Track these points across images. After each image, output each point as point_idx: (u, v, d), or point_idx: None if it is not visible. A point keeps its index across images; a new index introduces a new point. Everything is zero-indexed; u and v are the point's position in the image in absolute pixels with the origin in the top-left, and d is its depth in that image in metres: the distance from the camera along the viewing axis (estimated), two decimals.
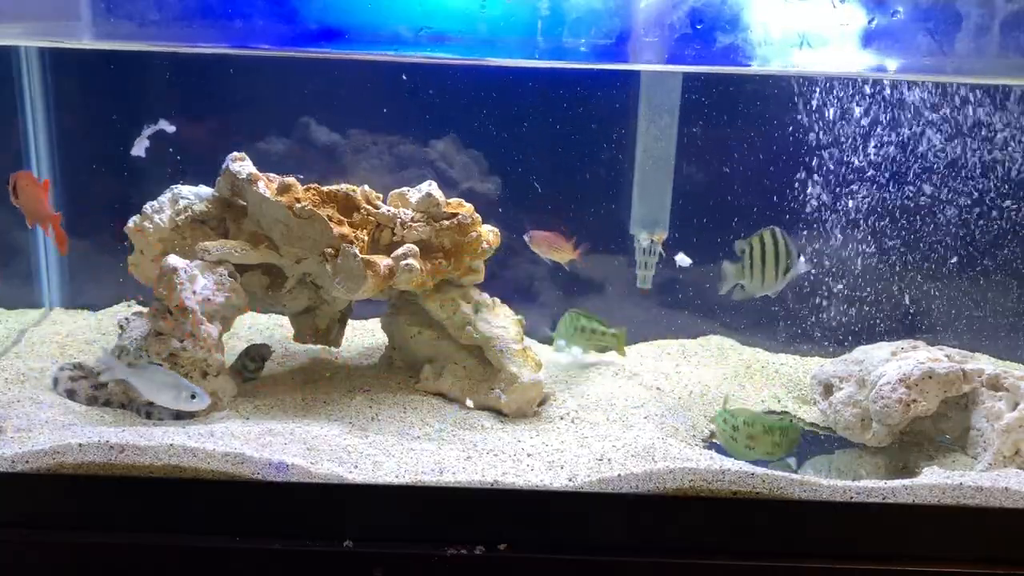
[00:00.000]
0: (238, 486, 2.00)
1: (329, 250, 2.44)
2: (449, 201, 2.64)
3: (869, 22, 2.33)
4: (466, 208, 2.63)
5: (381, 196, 2.64)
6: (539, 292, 3.13)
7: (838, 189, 2.97)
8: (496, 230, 2.68)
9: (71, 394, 2.43)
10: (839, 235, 3.01)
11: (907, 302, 3.08)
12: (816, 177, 2.95)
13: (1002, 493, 2.02)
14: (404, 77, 2.90)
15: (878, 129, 2.90)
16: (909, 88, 2.83)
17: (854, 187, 2.96)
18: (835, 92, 2.85)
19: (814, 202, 2.96)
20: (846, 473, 2.43)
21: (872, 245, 3.03)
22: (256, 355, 2.62)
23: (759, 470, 2.03)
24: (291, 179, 2.52)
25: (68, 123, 3.13)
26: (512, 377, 2.50)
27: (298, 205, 2.44)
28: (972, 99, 2.83)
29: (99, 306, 3.22)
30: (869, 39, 2.36)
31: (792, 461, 2.43)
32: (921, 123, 2.88)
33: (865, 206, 2.99)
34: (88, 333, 2.97)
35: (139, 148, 2.71)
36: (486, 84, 2.95)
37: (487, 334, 2.55)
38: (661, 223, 3.00)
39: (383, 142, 3.09)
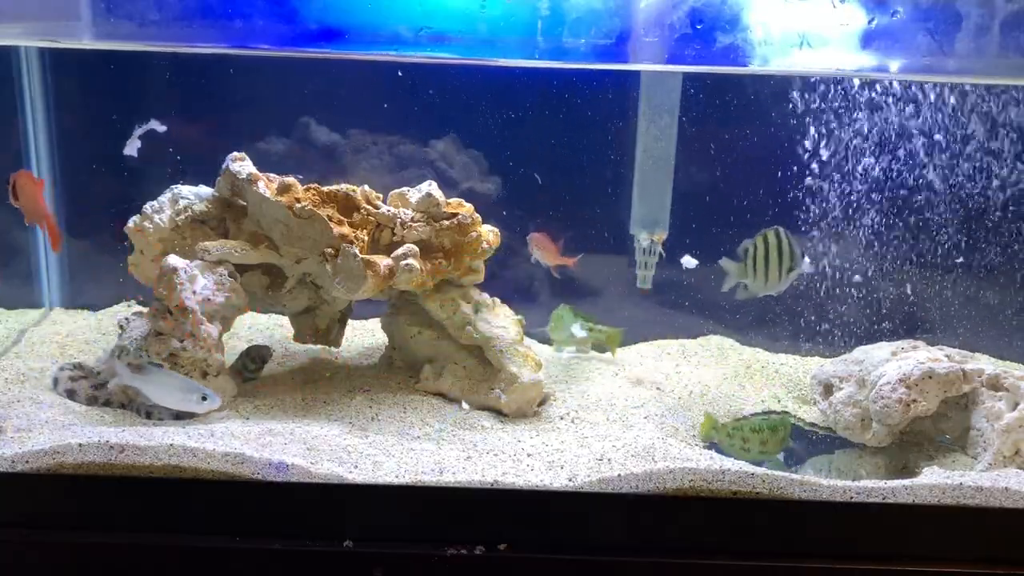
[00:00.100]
0: (238, 486, 2.00)
1: (329, 250, 2.44)
2: (449, 201, 2.64)
3: (869, 22, 2.33)
4: (466, 208, 2.63)
5: (381, 196, 2.64)
6: (539, 292, 3.13)
7: (838, 189, 2.96)
8: (496, 230, 2.68)
9: (71, 394, 2.43)
10: (839, 235, 3.01)
11: (907, 302, 3.08)
12: (816, 177, 2.95)
13: (1002, 493, 2.02)
14: (400, 74, 2.89)
15: (878, 129, 2.90)
16: (910, 88, 2.83)
17: (854, 187, 2.96)
18: (835, 92, 2.85)
19: (814, 202, 2.96)
20: (846, 473, 2.43)
21: (872, 245, 3.03)
22: (256, 356, 2.62)
23: (759, 470, 2.03)
24: (291, 179, 2.52)
25: (68, 123, 3.13)
26: (512, 377, 2.50)
27: (298, 205, 2.44)
28: (973, 99, 2.83)
29: (99, 306, 3.22)
30: (869, 39, 2.36)
31: (780, 457, 2.44)
32: (921, 123, 2.88)
33: (865, 206, 2.99)
34: (88, 333, 2.97)
35: (131, 148, 2.71)
36: (486, 84, 2.95)
37: (487, 334, 2.55)
38: (661, 223, 3.00)
39: (383, 142, 3.09)
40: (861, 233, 3.01)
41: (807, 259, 2.54)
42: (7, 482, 2.00)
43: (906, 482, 2.05)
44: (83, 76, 3.10)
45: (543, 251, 2.92)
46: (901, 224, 3.01)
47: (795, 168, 2.95)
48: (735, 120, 3.03)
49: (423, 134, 3.07)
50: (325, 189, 2.54)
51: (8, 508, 2.01)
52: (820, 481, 2.03)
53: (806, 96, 2.86)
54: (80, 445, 2.00)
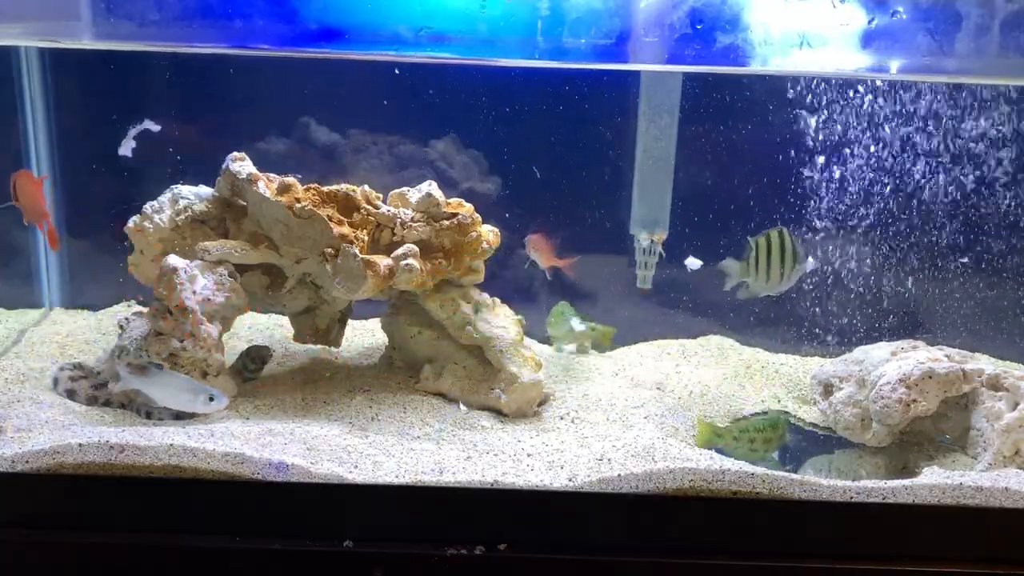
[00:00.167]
0: (238, 486, 2.00)
1: (329, 250, 2.44)
2: (449, 201, 2.64)
3: (869, 22, 2.33)
4: (466, 208, 2.63)
5: (381, 196, 2.64)
6: (539, 292, 3.13)
7: (838, 189, 2.97)
8: (496, 230, 2.68)
9: (71, 394, 2.43)
10: (839, 235, 3.01)
11: (907, 302, 3.08)
12: (816, 177, 2.95)
13: (1002, 493, 2.02)
14: (396, 71, 2.89)
15: (879, 129, 2.90)
16: (911, 88, 2.83)
17: (854, 187, 2.96)
18: (835, 92, 2.85)
19: (814, 202, 2.96)
20: (846, 473, 2.42)
21: (872, 245, 3.03)
22: (257, 356, 2.61)
23: (759, 470, 2.03)
24: (291, 179, 2.52)
25: (68, 123, 3.13)
26: (512, 377, 2.50)
27: (298, 205, 2.44)
28: (973, 100, 2.83)
29: (99, 306, 3.22)
30: (869, 39, 2.36)
31: (776, 456, 2.44)
32: (921, 123, 2.88)
33: (865, 206, 2.99)
34: (88, 333, 2.97)
35: (126, 148, 2.72)
36: (486, 84, 2.95)
37: (487, 334, 2.55)
38: (661, 223, 3.00)
39: (383, 142, 3.09)
40: (861, 232, 3.01)
41: (810, 259, 2.54)
42: (7, 482, 2.00)
43: (906, 482, 2.05)
44: (83, 76, 3.10)
45: (539, 253, 2.93)
46: (901, 223, 3.00)
47: (795, 168, 2.95)
48: (735, 120, 3.03)
49: (423, 134, 3.07)
50: (325, 189, 2.54)
51: (8, 508, 2.01)
52: (820, 481, 2.03)
53: (806, 96, 2.86)
54: (80, 445, 2.00)
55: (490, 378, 2.54)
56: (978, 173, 2.93)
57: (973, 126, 2.87)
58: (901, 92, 2.84)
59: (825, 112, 2.88)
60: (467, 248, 2.61)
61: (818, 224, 2.98)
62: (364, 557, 1.96)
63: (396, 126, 3.08)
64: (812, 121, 2.89)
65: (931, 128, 2.88)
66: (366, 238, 2.51)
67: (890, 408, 2.40)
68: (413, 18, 2.35)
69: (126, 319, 2.43)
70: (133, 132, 2.72)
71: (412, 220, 2.57)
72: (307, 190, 2.53)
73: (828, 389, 2.64)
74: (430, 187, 2.62)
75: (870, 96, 2.85)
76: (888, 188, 2.97)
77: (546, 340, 3.12)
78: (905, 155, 2.93)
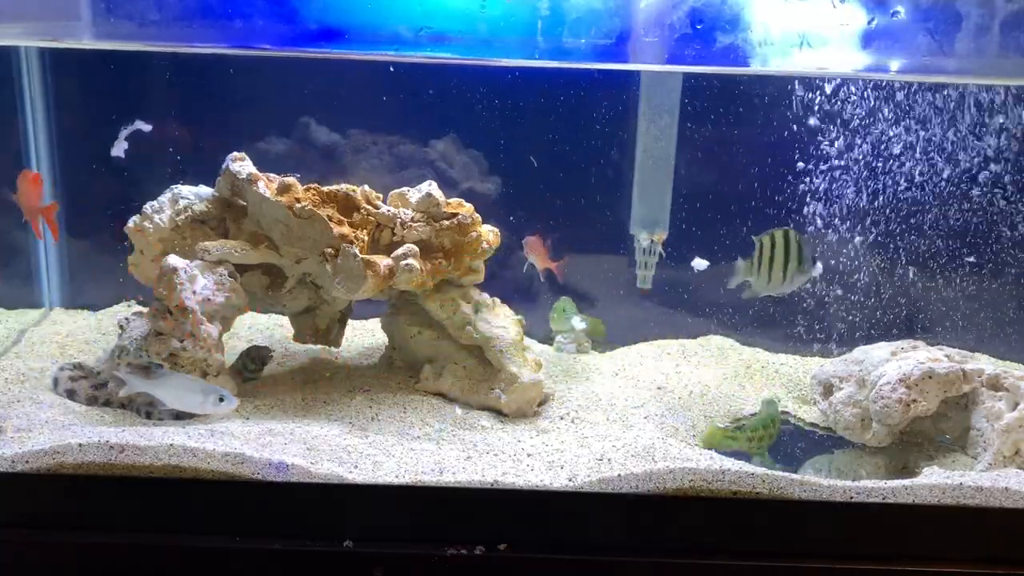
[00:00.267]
0: (238, 486, 2.00)
1: (329, 250, 2.44)
2: (449, 201, 2.64)
3: (869, 22, 2.33)
4: (466, 208, 2.63)
5: (381, 196, 2.64)
6: (539, 292, 3.13)
7: (838, 189, 2.97)
8: (496, 230, 2.68)
9: (71, 394, 2.43)
10: (839, 235, 3.01)
11: (907, 302, 3.08)
12: (816, 177, 2.95)
13: (1002, 493, 2.02)
14: (391, 69, 2.89)
15: (879, 129, 2.90)
16: (910, 88, 2.83)
17: (854, 187, 2.96)
18: (835, 92, 2.85)
19: (814, 202, 2.96)
20: (846, 473, 2.43)
21: (872, 245, 3.03)
22: (257, 357, 2.61)
23: (759, 470, 2.03)
24: (291, 179, 2.52)
25: (68, 123, 3.13)
26: (512, 377, 2.50)
27: (298, 205, 2.44)
28: (974, 100, 2.83)
29: (99, 306, 3.22)
30: (869, 39, 2.36)
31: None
32: (921, 123, 2.88)
33: (865, 206, 2.99)
34: (88, 333, 2.97)
35: (118, 149, 2.73)
36: (486, 84, 2.95)
37: (487, 334, 2.55)
38: (661, 223, 3.00)
39: (383, 142, 3.09)
40: (861, 233, 3.01)
41: (819, 264, 2.52)
42: (7, 482, 2.00)
43: (906, 482, 2.05)
44: (83, 76, 3.10)
45: (534, 254, 2.94)
46: (901, 224, 3.00)
47: (795, 168, 2.95)
48: (735, 120, 3.03)
49: (423, 134, 3.07)
50: (325, 189, 2.54)
51: (8, 508, 2.01)
52: (820, 481, 2.03)
53: (806, 96, 2.86)
54: (80, 445, 2.00)
55: (490, 378, 2.54)
56: (979, 173, 2.93)
57: (974, 126, 2.87)
58: (901, 92, 2.84)
59: (825, 112, 2.88)
60: (467, 248, 2.61)
61: (818, 224, 2.98)
62: (364, 557, 1.95)
63: (396, 126, 3.07)
64: (811, 121, 2.89)
65: (931, 128, 2.88)
66: (366, 238, 2.51)
67: (890, 408, 2.40)
68: (413, 18, 2.34)
69: (126, 319, 2.43)
70: (125, 133, 2.73)
71: (412, 220, 2.57)
72: (307, 190, 2.53)
73: (828, 389, 2.64)
74: (430, 187, 2.62)
75: (870, 95, 2.85)
76: (888, 188, 2.97)
77: (546, 340, 3.12)
78: (905, 155, 2.93)
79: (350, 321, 2.83)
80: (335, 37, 2.37)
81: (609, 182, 3.08)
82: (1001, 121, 2.85)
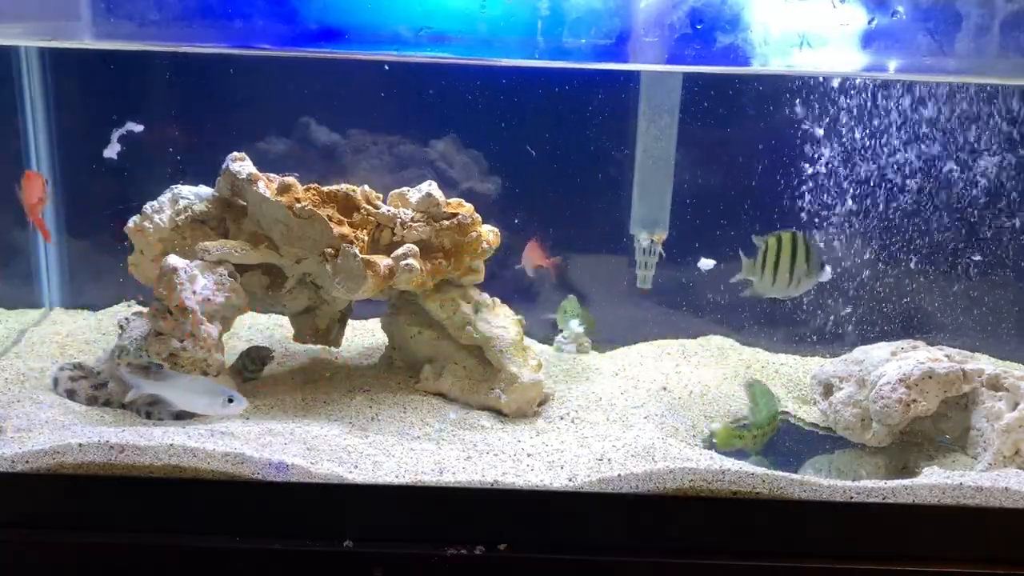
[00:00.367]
0: (238, 486, 2.00)
1: (329, 250, 2.44)
2: (449, 201, 2.64)
3: (869, 22, 2.33)
4: (466, 208, 2.63)
5: (381, 196, 2.64)
6: (539, 292, 3.13)
7: (838, 189, 2.97)
8: (496, 230, 2.68)
9: (71, 394, 2.43)
10: (840, 235, 3.01)
11: (907, 302, 3.08)
12: (816, 177, 2.95)
13: (1002, 493, 2.02)
14: (386, 67, 2.88)
15: (879, 129, 2.90)
16: (910, 88, 2.83)
17: (854, 187, 2.96)
18: (835, 92, 2.85)
19: (814, 202, 2.96)
20: (846, 473, 2.42)
21: (872, 245, 3.03)
22: (257, 357, 2.61)
23: (759, 470, 2.03)
24: (291, 179, 2.52)
25: (68, 123, 3.13)
26: (512, 377, 2.50)
27: (298, 205, 2.44)
28: (973, 100, 2.83)
29: (99, 306, 3.22)
30: (869, 39, 2.36)
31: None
32: (921, 123, 2.88)
33: (865, 206, 2.99)
34: (88, 333, 2.97)
35: (111, 150, 2.73)
36: (486, 84, 2.95)
37: (487, 334, 2.55)
38: (661, 223, 3.00)
39: (383, 142, 3.09)
40: (861, 232, 3.01)
41: (828, 268, 2.51)
42: (7, 482, 2.00)
43: (906, 482, 2.05)
44: (83, 76, 3.10)
45: (528, 255, 2.95)
46: (901, 224, 3.00)
47: (795, 168, 2.95)
48: (735, 120, 3.03)
49: (423, 134, 3.07)
50: (325, 189, 2.54)
51: (8, 508, 2.01)
52: (820, 481, 2.03)
53: (805, 96, 2.86)
54: (80, 445, 2.00)
55: (490, 378, 2.54)
56: (979, 173, 2.93)
57: (974, 126, 2.87)
58: (900, 91, 2.84)
59: (825, 111, 2.88)
60: (467, 248, 2.61)
61: (819, 223, 2.98)
62: (364, 557, 1.96)
63: (396, 126, 3.07)
64: (811, 120, 2.89)
65: (931, 128, 2.88)
66: (366, 238, 2.51)
67: (890, 408, 2.40)
68: (413, 18, 2.35)
69: (126, 319, 2.43)
70: (117, 135, 2.73)
71: (412, 220, 2.57)
72: (307, 190, 2.53)
73: (828, 389, 2.64)
74: (430, 187, 2.62)
75: (870, 95, 2.85)
76: (889, 188, 2.97)
77: (546, 340, 3.12)
78: (905, 155, 2.93)
79: (350, 321, 2.83)
80: (335, 37, 2.37)
81: (609, 182, 3.08)
82: (1002, 121, 2.85)
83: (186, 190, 2.64)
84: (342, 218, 2.50)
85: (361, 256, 2.40)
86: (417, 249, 2.51)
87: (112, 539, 1.97)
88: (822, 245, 3.00)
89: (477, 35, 2.38)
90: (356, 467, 2.07)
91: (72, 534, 1.98)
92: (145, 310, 2.43)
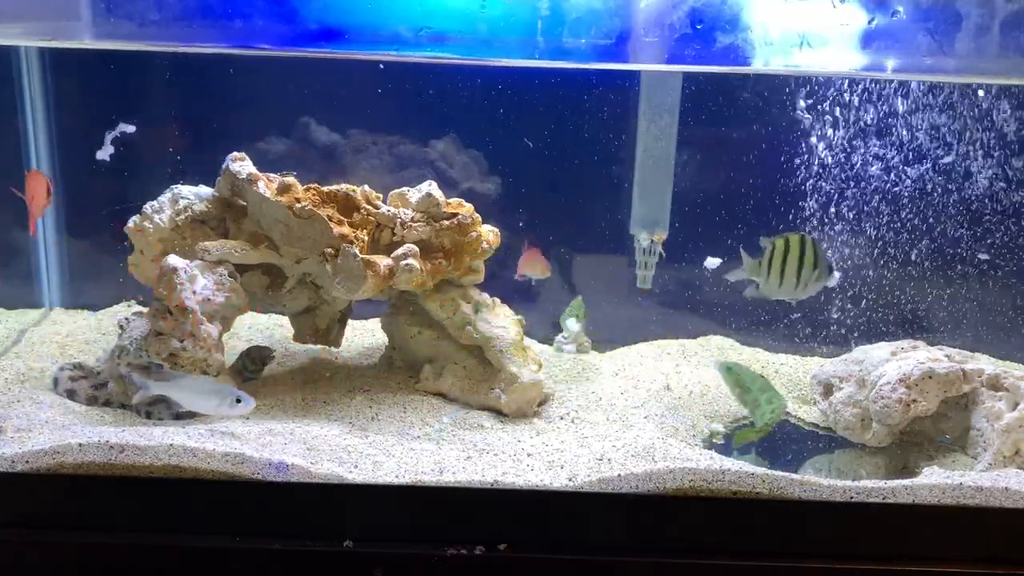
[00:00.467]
0: (238, 486, 2.00)
1: (329, 250, 2.44)
2: (449, 201, 2.64)
3: (869, 22, 2.33)
4: (466, 208, 2.63)
5: (381, 196, 2.64)
6: (539, 292, 3.13)
7: (838, 188, 2.97)
8: (496, 230, 2.68)
9: (71, 394, 2.43)
10: (839, 235, 3.01)
11: (907, 302, 3.08)
12: (816, 177, 2.95)
13: (1002, 493, 2.02)
14: (381, 66, 2.88)
15: (879, 129, 2.90)
16: (909, 88, 2.83)
17: (854, 187, 2.96)
18: (835, 92, 2.85)
19: (814, 202, 2.96)
20: (846, 473, 2.43)
21: (872, 245, 3.02)
22: (257, 357, 2.61)
23: (759, 470, 2.03)
24: (291, 179, 2.52)
25: (68, 123, 3.13)
26: (512, 377, 2.50)
27: (298, 205, 2.44)
28: (973, 100, 2.83)
29: (99, 306, 3.22)
30: (869, 39, 2.36)
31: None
32: (921, 123, 2.88)
33: (865, 206, 2.99)
34: (88, 333, 2.97)
35: (104, 153, 2.74)
36: (486, 84, 2.95)
37: (487, 334, 2.55)
38: (661, 223, 3.00)
39: (383, 142, 3.09)
40: (862, 232, 3.01)
41: (836, 273, 2.49)
42: (7, 482, 2.00)
43: (906, 482, 2.05)
44: (83, 76, 3.10)
45: (529, 261, 2.95)
46: (901, 224, 3.00)
47: (795, 167, 2.95)
48: (735, 120, 3.03)
49: (423, 134, 3.07)
50: (325, 189, 2.54)
51: (8, 508, 2.01)
52: (820, 481, 2.03)
53: (806, 96, 2.86)
54: (80, 445, 2.00)
55: (490, 378, 2.54)
56: (980, 173, 2.93)
57: (975, 126, 2.87)
58: (901, 92, 2.84)
59: (825, 111, 2.88)
60: (467, 248, 2.61)
61: (819, 223, 2.98)
62: (364, 557, 1.96)
63: (396, 126, 3.08)
64: (811, 120, 2.89)
65: (931, 128, 2.88)
66: (366, 238, 2.51)
67: (890, 408, 2.40)
68: (413, 18, 2.35)
69: (126, 319, 2.43)
70: (110, 137, 2.74)
71: (412, 220, 2.57)
72: (307, 190, 2.53)
73: (828, 389, 2.64)
74: (430, 187, 2.62)
75: (869, 95, 2.85)
76: (889, 188, 2.97)
77: (546, 340, 3.12)
78: (905, 155, 2.93)
79: (350, 321, 2.83)
80: (335, 37, 2.37)
81: (609, 182, 3.08)
82: (1003, 120, 2.85)
83: (186, 190, 2.64)
84: (342, 218, 2.50)
85: (361, 256, 2.40)
86: (417, 249, 2.51)
87: (112, 539, 1.97)
88: (823, 244, 3.00)
89: (477, 35, 2.38)
90: (356, 467, 2.07)
91: (72, 534, 1.98)
92: (145, 310, 2.43)
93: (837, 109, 2.87)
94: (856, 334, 3.05)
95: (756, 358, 3.10)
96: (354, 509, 2.01)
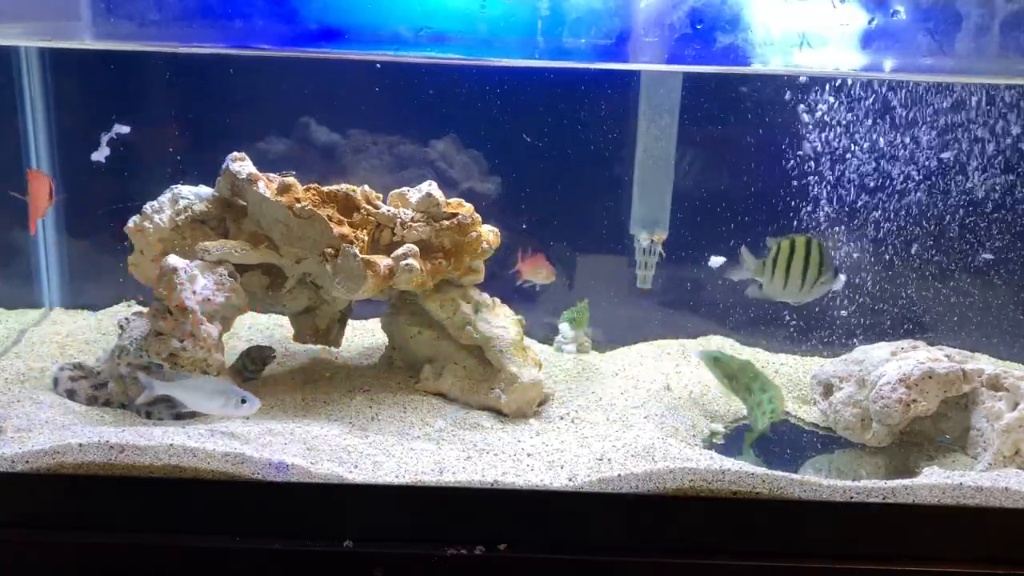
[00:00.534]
0: (238, 486, 2.00)
1: (329, 250, 2.44)
2: (449, 201, 2.64)
3: (869, 22, 2.33)
4: (466, 208, 2.63)
5: (381, 196, 2.64)
6: (539, 292, 3.13)
7: (838, 189, 2.97)
8: (496, 230, 2.68)
9: (71, 394, 2.43)
10: (839, 235, 3.01)
11: (907, 302, 3.08)
12: (816, 177, 2.95)
13: (1002, 493, 2.02)
14: (378, 65, 2.88)
15: (879, 129, 2.90)
16: (909, 88, 2.83)
17: (854, 187, 2.96)
18: (835, 92, 2.85)
19: (814, 202, 2.96)
20: (846, 473, 2.42)
21: (872, 245, 3.02)
22: (258, 356, 2.62)
23: (759, 470, 2.03)
24: (291, 179, 2.52)
25: (68, 123, 3.13)
26: (512, 377, 2.50)
27: (298, 205, 2.44)
28: (972, 100, 2.83)
29: (99, 306, 3.22)
30: (869, 39, 2.36)
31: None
32: (921, 123, 2.88)
33: (865, 206, 2.99)
34: (88, 333, 2.97)
35: (99, 154, 2.74)
36: (486, 84, 2.95)
37: (487, 334, 2.55)
38: (661, 223, 3.00)
39: (383, 142, 3.09)
40: (862, 233, 3.01)
41: (842, 276, 2.49)
42: (7, 482, 2.00)
43: (906, 482, 2.05)
44: (83, 76, 3.10)
45: (532, 267, 2.95)
46: (901, 224, 3.00)
47: (794, 168, 2.95)
48: (735, 120, 3.03)
49: (423, 134, 3.07)
50: (325, 189, 2.54)
51: (8, 508, 2.01)
52: (820, 481, 2.03)
53: (805, 96, 2.86)
54: (80, 445, 2.00)
55: (490, 378, 2.54)
56: (980, 173, 2.93)
57: (974, 127, 2.87)
58: (900, 91, 2.84)
59: (825, 111, 2.88)
60: (467, 248, 2.61)
61: (818, 223, 2.98)
62: (364, 557, 1.96)
63: (396, 126, 3.07)
64: (812, 121, 2.89)
65: (930, 128, 2.88)
66: (366, 238, 2.51)
67: (890, 408, 2.40)
68: (413, 18, 2.35)
69: (126, 319, 2.43)
70: (106, 138, 2.74)
71: (412, 220, 2.57)
72: (307, 190, 2.53)
73: (828, 389, 2.64)
74: (430, 187, 2.62)
75: (869, 95, 2.85)
76: (889, 188, 2.97)
77: (546, 340, 3.12)
78: (905, 155, 2.93)
79: (350, 321, 2.83)
80: (335, 37, 2.37)
81: (609, 182, 3.08)
82: (1005, 120, 2.85)
83: (186, 190, 2.64)
84: (342, 218, 2.50)
85: (361, 256, 2.40)
86: (417, 249, 2.51)
87: (112, 539, 1.97)
88: (826, 244, 3.00)
89: (477, 35, 2.38)
90: (356, 467, 2.07)
91: (72, 534, 1.98)
92: (145, 310, 2.43)
93: (836, 108, 2.87)
94: (856, 334, 3.05)
95: (756, 358, 3.10)
96: (354, 509, 2.01)
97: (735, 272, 2.57)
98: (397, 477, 2.04)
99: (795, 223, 2.96)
